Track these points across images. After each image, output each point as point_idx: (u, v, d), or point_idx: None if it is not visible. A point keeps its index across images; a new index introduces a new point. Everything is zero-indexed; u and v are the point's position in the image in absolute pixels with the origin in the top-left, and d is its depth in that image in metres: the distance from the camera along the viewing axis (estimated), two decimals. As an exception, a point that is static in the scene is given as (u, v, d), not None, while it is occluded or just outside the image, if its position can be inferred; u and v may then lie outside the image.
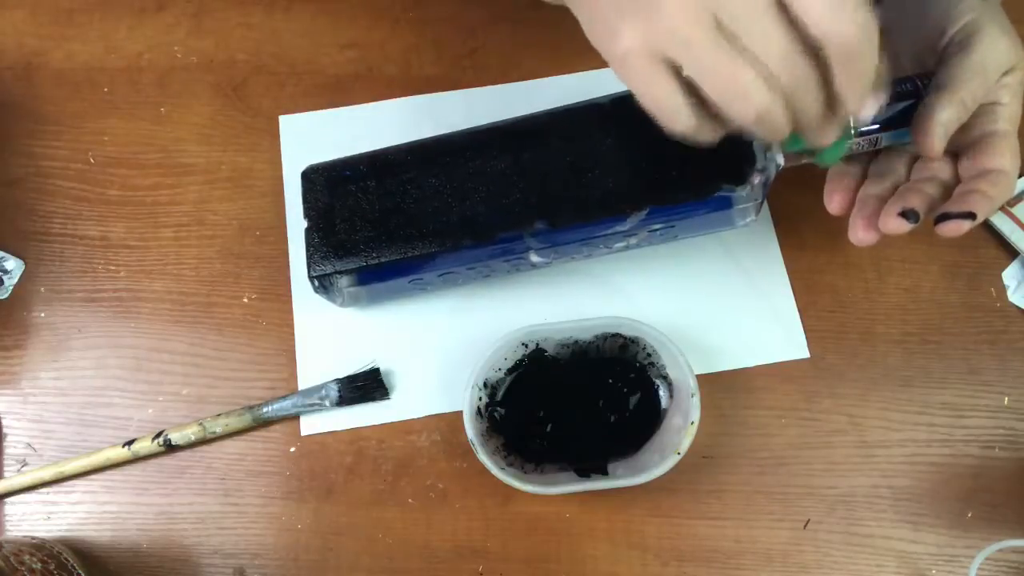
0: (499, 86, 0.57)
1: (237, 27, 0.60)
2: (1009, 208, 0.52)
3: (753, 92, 0.32)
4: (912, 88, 0.43)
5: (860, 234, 0.42)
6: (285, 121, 0.57)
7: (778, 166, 0.45)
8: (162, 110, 0.58)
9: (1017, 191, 0.52)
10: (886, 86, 0.36)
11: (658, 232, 0.46)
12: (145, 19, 0.60)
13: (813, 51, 0.32)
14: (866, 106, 0.35)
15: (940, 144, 0.41)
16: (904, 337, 0.51)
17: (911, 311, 0.52)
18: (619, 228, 0.45)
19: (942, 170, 0.43)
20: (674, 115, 0.35)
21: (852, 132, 0.40)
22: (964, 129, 0.42)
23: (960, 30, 0.41)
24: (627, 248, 0.47)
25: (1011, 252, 0.52)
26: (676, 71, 0.33)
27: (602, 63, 0.56)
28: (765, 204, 0.49)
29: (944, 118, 0.40)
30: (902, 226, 0.41)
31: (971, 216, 0.40)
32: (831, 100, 0.34)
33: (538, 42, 0.58)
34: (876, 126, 0.43)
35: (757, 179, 0.43)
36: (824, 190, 0.46)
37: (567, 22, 0.59)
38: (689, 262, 0.52)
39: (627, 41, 0.34)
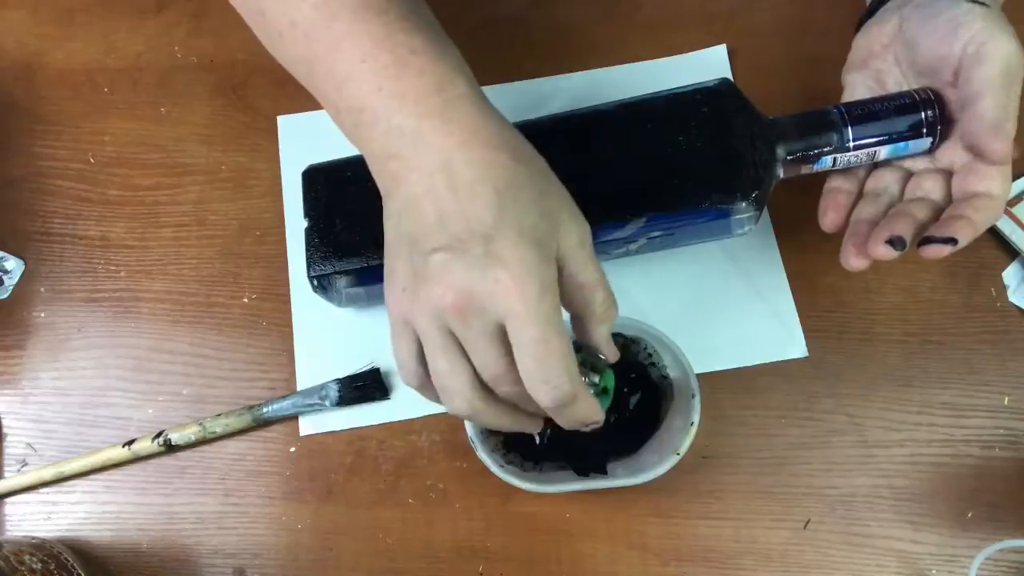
0: (498, 86, 0.57)
1: (237, 27, 0.59)
2: (1009, 208, 0.52)
3: (454, 399, 0.35)
4: (911, 102, 0.43)
5: (852, 261, 0.43)
6: (284, 121, 0.57)
7: (776, 177, 0.45)
8: (162, 110, 0.58)
9: (1016, 191, 0.52)
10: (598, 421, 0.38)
11: (657, 239, 0.46)
12: (145, 19, 0.60)
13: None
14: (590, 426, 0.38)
15: (1006, 146, 0.40)
16: (904, 337, 0.51)
17: (911, 311, 0.52)
18: (618, 235, 0.45)
19: (934, 190, 0.44)
20: (402, 369, 0.37)
21: (609, 394, 0.40)
22: (959, 147, 0.43)
23: (972, 38, 0.41)
24: (627, 255, 0.47)
25: (1011, 252, 0.52)
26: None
27: (602, 63, 0.57)
28: (764, 210, 0.50)
29: (998, 117, 0.40)
30: (889, 253, 0.41)
31: (953, 242, 0.40)
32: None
33: (538, 42, 0.58)
34: (875, 139, 0.43)
35: (755, 191, 0.43)
36: (819, 206, 0.46)
37: (567, 23, 0.59)
38: (689, 263, 0.52)
39: (393, 292, 0.36)
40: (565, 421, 0.36)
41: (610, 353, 0.39)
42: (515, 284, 0.32)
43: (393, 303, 0.36)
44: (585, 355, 0.39)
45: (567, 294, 0.36)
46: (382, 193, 0.37)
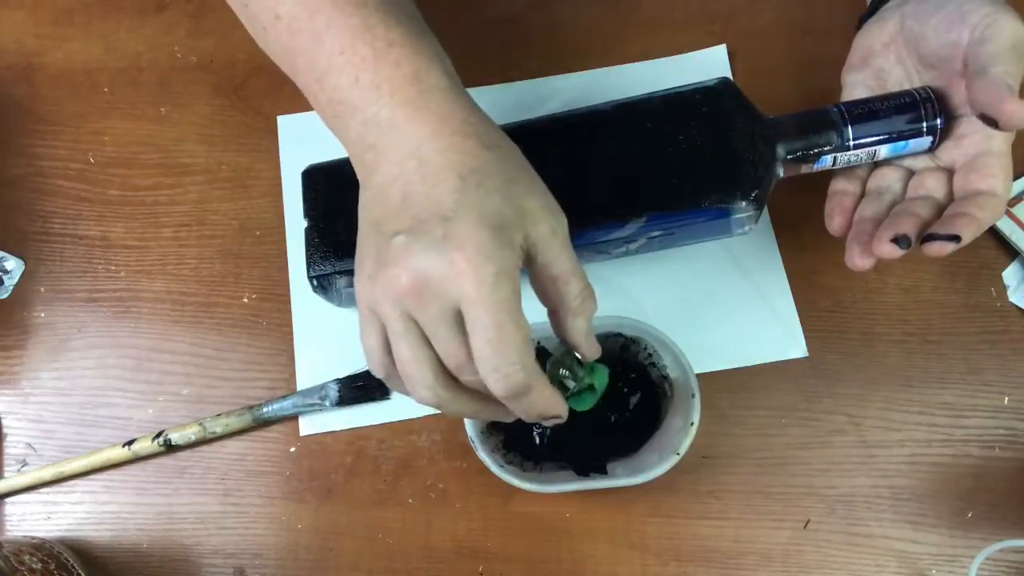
0: (499, 86, 0.57)
1: (237, 27, 0.59)
2: (1009, 208, 0.52)
3: (418, 389, 0.35)
4: (911, 101, 0.43)
5: (856, 260, 0.43)
6: (283, 121, 0.57)
7: (776, 176, 0.45)
8: (162, 110, 0.58)
9: (1016, 191, 0.52)
10: (560, 415, 0.37)
11: (657, 239, 0.46)
12: (145, 19, 0.60)
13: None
14: (546, 423, 0.37)
15: (1022, 108, 0.39)
16: (904, 337, 0.51)
17: (911, 311, 0.52)
18: (619, 234, 0.45)
19: (936, 187, 0.44)
20: (370, 359, 0.37)
21: (597, 391, 0.39)
22: (959, 145, 0.43)
23: (980, 22, 0.41)
24: (627, 254, 0.47)
25: (1011, 252, 0.52)
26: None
27: (601, 63, 0.57)
28: (764, 209, 0.50)
29: (1010, 83, 0.39)
30: (894, 252, 0.41)
31: (956, 239, 0.40)
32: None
33: (538, 42, 0.58)
34: (876, 138, 0.43)
35: (755, 190, 0.43)
36: (824, 209, 0.46)
37: (567, 22, 0.59)
38: (689, 263, 0.52)
39: (361, 279, 0.36)
40: (522, 413, 0.36)
41: (588, 350, 0.38)
42: (470, 267, 0.32)
43: (360, 292, 0.36)
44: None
45: (541, 287, 0.36)
46: (360, 185, 0.37)
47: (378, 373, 0.37)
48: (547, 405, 0.35)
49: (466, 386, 0.35)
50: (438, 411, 0.36)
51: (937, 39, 0.43)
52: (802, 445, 0.49)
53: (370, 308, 0.35)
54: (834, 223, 0.45)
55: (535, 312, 0.51)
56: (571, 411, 0.50)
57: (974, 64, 0.41)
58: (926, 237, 0.41)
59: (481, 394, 0.36)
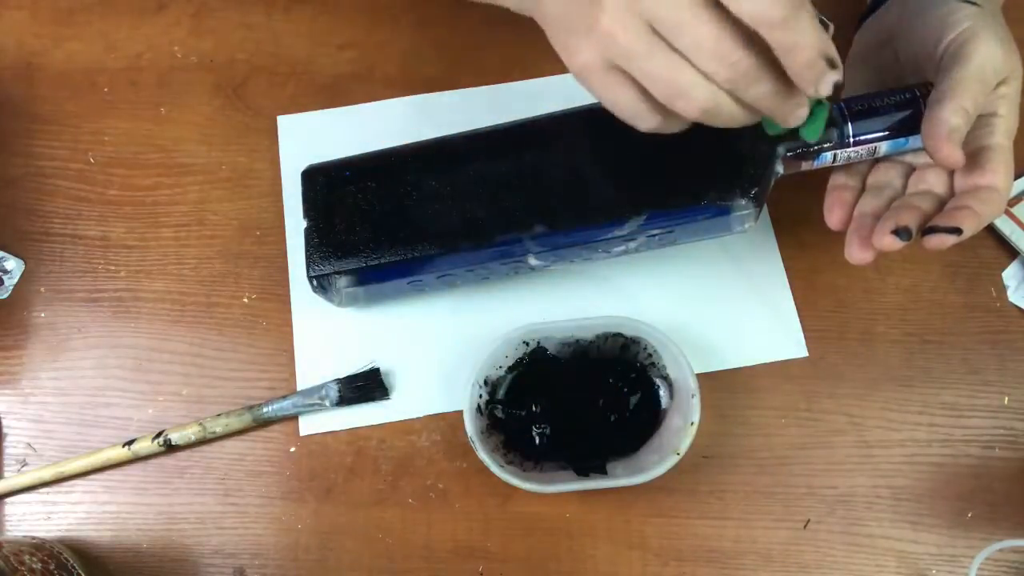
0: (499, 86, 0.57)
1: (237, 27, 0.60)
2: (1009, 208, 0.52)
3: (692, 91, 0.34)
4: (911, 97, 0.43)
5: (856, 253, 0.43)
6: (283, 121, 0.57)
7: (776, 174, 0.45)
8: (162, 110, 0.58)
9: (1017, 191, 0.52)
10: (837, 62, 0.35)
11: (656, 237, 0.46)
12: (145, 19, 0.60)
13: (753, 38, 0.33)
14: (823, 83, 0.35)
15: (957, 152, 0.40)
16: (904, 337, 0.51)
17: (911, 311, 0.52)
18: (618, 232, 0.45)
19: (937, 183, 0.44)
20: (636, 118, 0.37)
21: (826, 105, 0.38)
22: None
23: (954, 39, 0.41)
24: (626, 253, 0.47)
25: (1011, 252, 0.52)
26: (631, 77, 0.35)
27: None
28: (764, 208, 0.50)
29: (953, 125, 0.40)
30: (895, 244, 0.41)
31: (957, 231, 0.40)
32: (785, 82, 0.35)
33: (538, 42, 0.58)
34: (876, 135, 0.43)
35: (755, 188, 0.43)
36: (824, 203, 0.46)
37: (567, 22, 0.59)
38: (689, 262, 0.52)
39: (580, 57, 0.36)
40: (798, 52, 0.33)
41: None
42: None
43: (586, 55, 0.36)
44: None
45: None
46: (529, 12, 0.38)
47: (646, 124, 0.37)
48: (814, 36, 0.33)
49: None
50: (701, 117, 0.35)
51: (919, 45, 0.43)
52: (802, 445, 0.49)
53: (603, 63, 0.35)
54: (833, 217, 0.45)
55: (535, 312, 0.51)
56: (569, 410, 0.50)
57: (935, 90, 0.41)
58: (927, 230, 0.41)
59: (750, 68, 0.34)
